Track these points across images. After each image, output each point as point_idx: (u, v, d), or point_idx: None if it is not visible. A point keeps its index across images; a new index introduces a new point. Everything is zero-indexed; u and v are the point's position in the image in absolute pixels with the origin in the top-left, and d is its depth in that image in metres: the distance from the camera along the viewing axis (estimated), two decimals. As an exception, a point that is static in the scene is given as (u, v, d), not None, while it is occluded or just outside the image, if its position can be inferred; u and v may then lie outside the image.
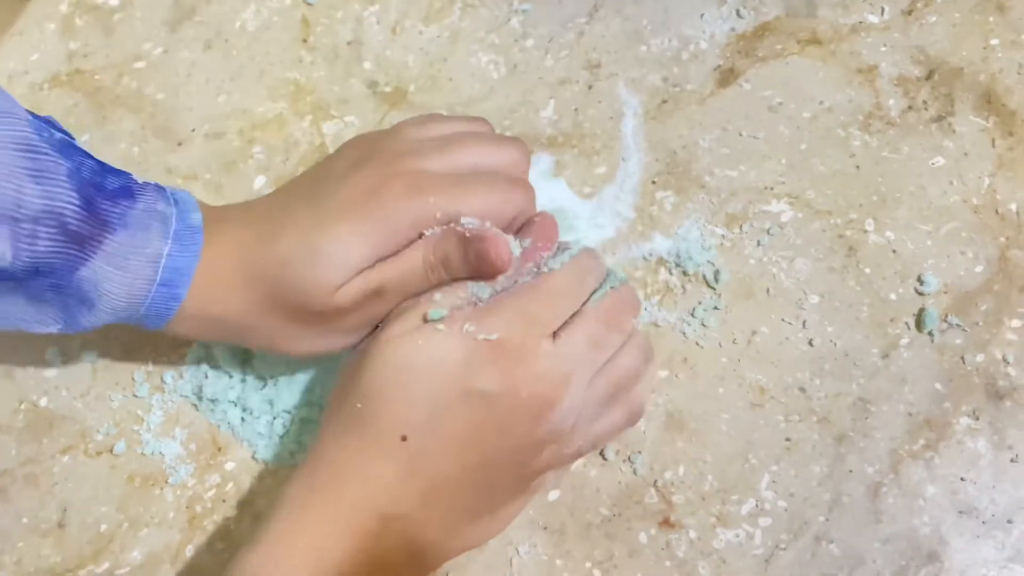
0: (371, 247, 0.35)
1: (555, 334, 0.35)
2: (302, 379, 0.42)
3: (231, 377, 0.42)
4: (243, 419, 0.42)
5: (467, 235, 0.35)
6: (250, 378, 0.42)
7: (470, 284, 0.36)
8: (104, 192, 0.35)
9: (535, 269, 0.37)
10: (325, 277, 0.35)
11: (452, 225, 0.36)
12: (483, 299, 0.36)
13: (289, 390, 0.42)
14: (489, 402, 0.34)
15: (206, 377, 0.42)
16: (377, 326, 0.37)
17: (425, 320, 0.35)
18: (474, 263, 0.36)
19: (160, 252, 0.36)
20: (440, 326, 0.34)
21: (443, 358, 0.34)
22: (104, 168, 0.36)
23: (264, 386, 0.42)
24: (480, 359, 0.34)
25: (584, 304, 0.37)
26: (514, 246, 0.37)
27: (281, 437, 0.41)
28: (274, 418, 0.42)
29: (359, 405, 0.34)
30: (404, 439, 0.34)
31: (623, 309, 0.38)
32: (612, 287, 0.38)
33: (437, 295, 0.36)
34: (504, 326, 0.34)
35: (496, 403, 0.34)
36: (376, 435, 0.34)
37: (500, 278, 0.36)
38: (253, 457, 0.41)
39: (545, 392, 0.34)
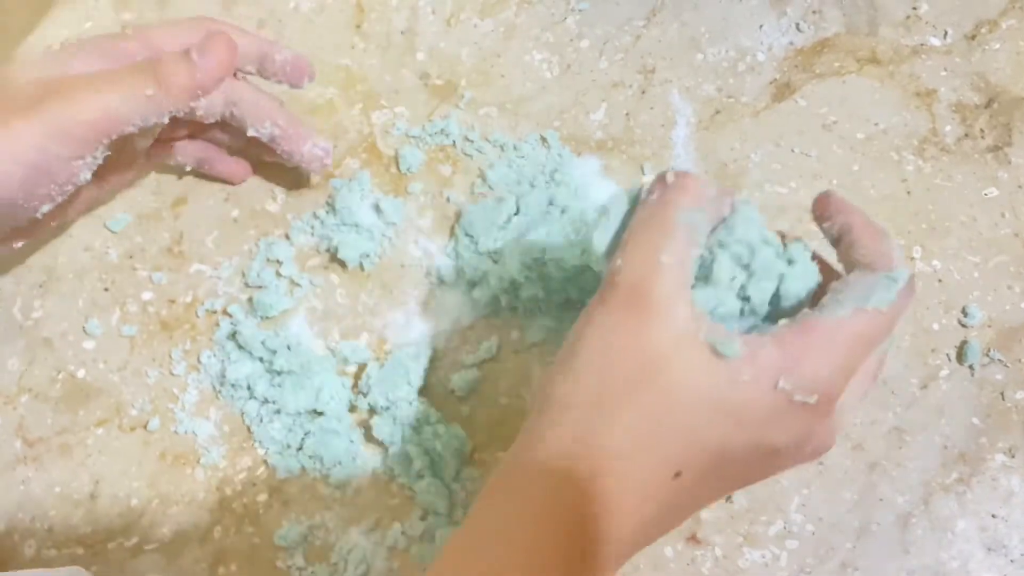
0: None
1: None
2: (310, 384, 0.41)
3: (253, 361, 0.42)
4: (260, 416, 0.42)
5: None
6: (268, 368, 0.42)
7: (682, 212, 0.30)
8: None
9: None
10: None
11: None
12: (703, 231, 0.31)
13: (295, 393, 0.41)
14: (775, 453, 0.31)
15: (229, 358, 0.42)
16: None
17: (714, 351, 0.29)
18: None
19: None
20: (745, 376, 0.29)
21: (742, 410, 0.29)
22: None
23: (274, 379, 0.42)
24: (784, 419, 0.30)
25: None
26: None
27: (292, 447, 0.41)
28: (289, 427, 0.41)
29: (633, 432, 0.30)
30: (678, 475, 0.30)
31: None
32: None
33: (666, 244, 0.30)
34: (823, 386, 0.30)
35: (781, 454, 0.31)
36: (650, 472, 0.30)
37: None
38: (265, 462, 0.41)
39: (826, 445, 0.32)
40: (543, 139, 0.45)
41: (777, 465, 0.32)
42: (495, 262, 0.43)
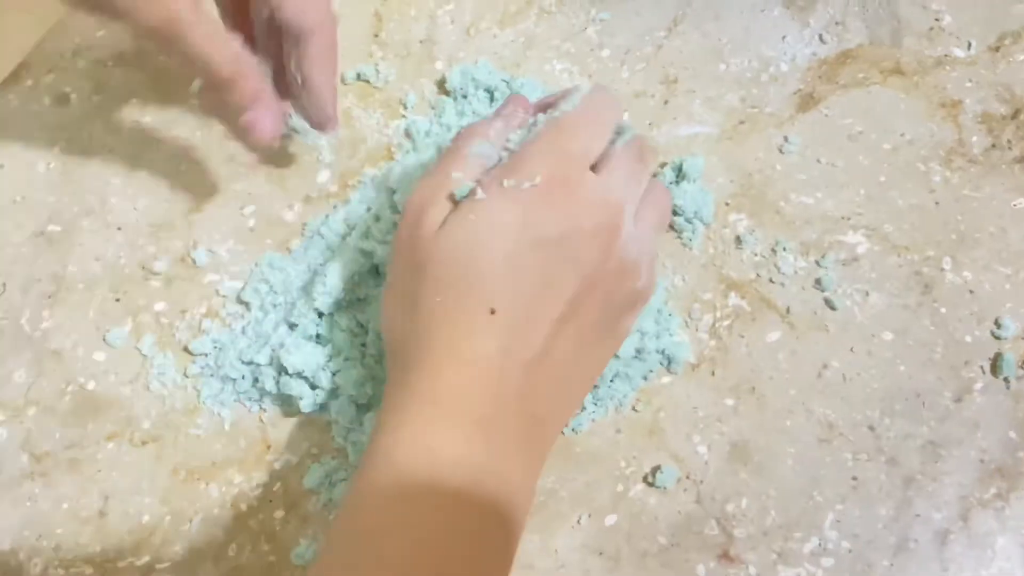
0: None
1: (594, 169, 0.36)
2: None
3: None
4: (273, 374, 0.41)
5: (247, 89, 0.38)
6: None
7: (472, 146, 0.36)
8: None
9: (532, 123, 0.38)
10: None
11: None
12: (492, 158, 0.36)
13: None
14: (557, 244, 0.33)
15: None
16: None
17: (454, 200, 0.34)
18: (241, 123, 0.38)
19: None
20: (479, 194, 0.34)
21: (500, 221, 0.33)
22: None
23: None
24: (534, 207, 0.34)
25: (612, 145, 0.37)
26: None
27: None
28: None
29: (438, 298, 0.33)
30: (493, 312, 0.33)
31: (647, 150, 0.38)
32: (633, 134, 0.38)
33: (453, 173, 0.35)
34: (542, 167, 0.34)
35: (564, 243, 0.34)
36: (466, 318, 0.33)
37: (493, 142, 0.37)
38: (281, 480, 0.40)
39: (605, 220, 0.34)
40: None
41: (580, 269, 0.34)
42: None
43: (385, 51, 0.48)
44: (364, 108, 0.47)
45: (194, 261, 0.44)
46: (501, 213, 0.33)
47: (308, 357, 0.39)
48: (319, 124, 0.42)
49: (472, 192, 0.34)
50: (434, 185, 0.35)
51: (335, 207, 0.44)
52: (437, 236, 0.34)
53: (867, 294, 0.42)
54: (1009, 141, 0.44)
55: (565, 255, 0.34)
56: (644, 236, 0.37)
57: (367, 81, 0.47)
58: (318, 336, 0.41)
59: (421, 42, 0.48)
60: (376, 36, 0.48)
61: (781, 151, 0.45)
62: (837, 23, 0.47)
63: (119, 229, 0.45)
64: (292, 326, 0.41)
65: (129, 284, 0.44)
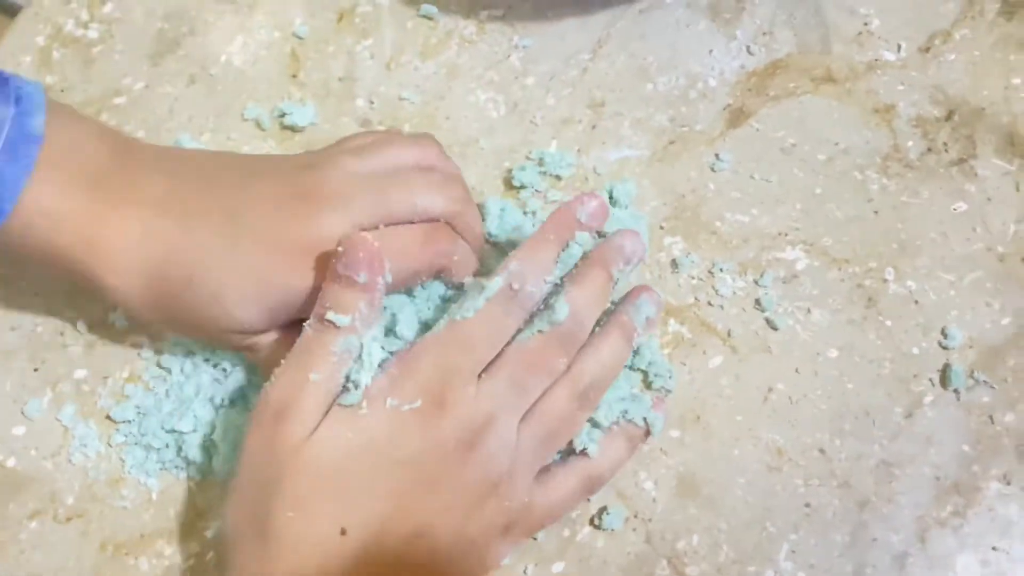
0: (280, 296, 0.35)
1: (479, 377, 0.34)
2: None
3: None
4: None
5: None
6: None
7: (335, 343, 0.33)
8: None
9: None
10: (233, 316, 0.35)
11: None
12: (355, 352, 0.33)
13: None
14: (415, 463, 0.32)
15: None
16: None
17: (326, 408, 0.33)
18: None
19: None
20: (363, 409, 0.32)
21: (371, 441, 0.32)
22: None
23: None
24: (403, 426, 0.32)
25: (507, 344, 0.35)
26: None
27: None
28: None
29: (290, 514, 0.31)
30: (344, 533, 0.31)
31: (551, 350, 0.35)
32: (540, 330, 0.35)
33: (312, 375, 0.33)
34: (426, 387, 0.33)
35: (421, 462, 0.32)
36: (316, 540, 0.31)
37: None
38: (214, 547, 0.38)
39: (468, 436, 0.33)
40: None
41: (435, 489, 0.32)
42: None
43: (304, 91, 0.46)
44: (284, 151, 0.45)
45: (114, 324, 0.42)
46: (374, 431, 0.32)
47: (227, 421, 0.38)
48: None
49: (356, 405, 0.33)
50: (296, 387, 0.33)
51: None
52: (303, 448, 0.32)
53: (809, 311, 0.41)
54: (945, 144, 0.43)
55: (420, 474, 0.32)
56: (526, 451, 0.34)
57: (280, 119, 0.46)
58: (245, 396, 0.39)
59: (340, 80, 0.47)
60: (294, 77, 0.47)
61: (713, 169, 0.43)
62: (764, 33, 0.46)
63: (36, 295, 0.43)
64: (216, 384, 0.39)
65: (47, 352, 0.42)
